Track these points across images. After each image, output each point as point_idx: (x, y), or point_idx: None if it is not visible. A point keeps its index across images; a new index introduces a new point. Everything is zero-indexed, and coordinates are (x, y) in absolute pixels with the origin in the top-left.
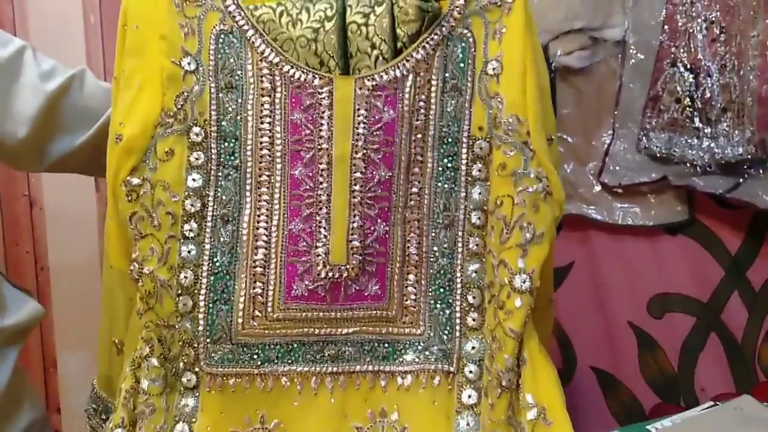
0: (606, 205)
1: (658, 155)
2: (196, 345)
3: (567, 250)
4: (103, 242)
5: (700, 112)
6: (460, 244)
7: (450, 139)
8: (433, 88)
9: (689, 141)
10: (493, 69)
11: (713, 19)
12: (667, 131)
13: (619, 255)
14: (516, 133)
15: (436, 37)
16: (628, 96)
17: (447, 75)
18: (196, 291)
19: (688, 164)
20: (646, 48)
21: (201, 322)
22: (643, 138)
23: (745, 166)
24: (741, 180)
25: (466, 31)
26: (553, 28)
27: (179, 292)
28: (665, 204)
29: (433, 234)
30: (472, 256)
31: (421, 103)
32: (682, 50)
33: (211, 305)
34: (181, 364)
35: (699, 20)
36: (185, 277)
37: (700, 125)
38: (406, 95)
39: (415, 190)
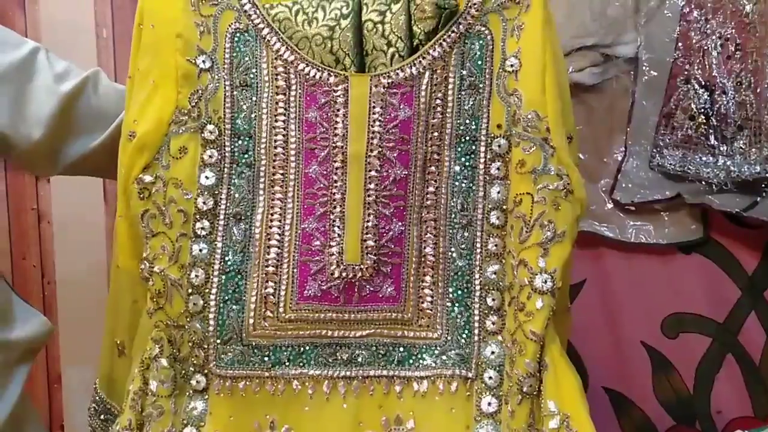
0: (618, 222)
1: (671, 172)
2: (206, 346)
3: (579, 268)
4: (111, 252)
5: (715, 130)
6: (478, 245)
7: (468, 138)
8: (450, 86)
9: (704, 159)
10: (512, 66)
11: (728, 36)
12: (681, 148)
13: (631, 273)
14: (535, 129)
15: (453, 34)
16: (641, 113)
17: (464, 72)
18: (206, 290)
19: (703, 182)
20: (659, 65)
21: (211, 322)
22: (656, 155)
23: (763, 185)
24: (758, 198)
25: (483, 29)
26: (565, 45)
27: (190, 291)
28: (679, 222)
29: (451, 234)
30: (491, 257)
31: (438, 101)
32: (696, 67)
33: (221, 305)
34: (191, 365)
35: (714, 37)
36: (196, 276)
37: (716, 143)
38: (423, 93)
39: (431, 189)
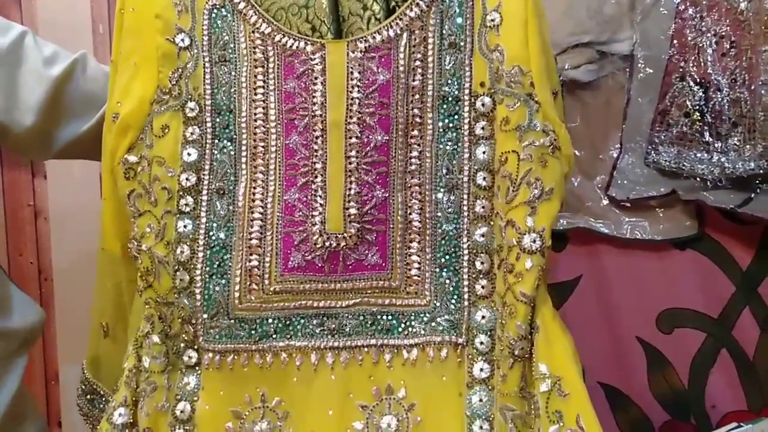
0: (614, 218)
1: (666, 169)
2: (194, 321)
3: (574, 264)
4: None
5: (710, 127)
6: (465, 208)
7: (450, 98)
8: (429, 46)
9: (699, 155)
10: (493, 21)
11: (723, 33)
12: (676, 145)
13: (627, 269)
14: (519, 84)
15: None
16: (636, 110)
17: (444, 32)
18: (192, 266)
19: (697, 178)
20: (654, 62)
21: (198, 297)
22: (652, 152)
23: (757, 181)
24: (752, 195)
25: None
26: (561, 42)
27: (176, 267)
28: (674, 218)
29: (436, 199)
30: (479, 220)
31: (418, 63)
32: (691, 64)
33: (207, 280)
34: (182, 341)
35: (708, 35)
36: (181, 252)
37: (710, 139)
38: (401, 55)
39: (415, 153)
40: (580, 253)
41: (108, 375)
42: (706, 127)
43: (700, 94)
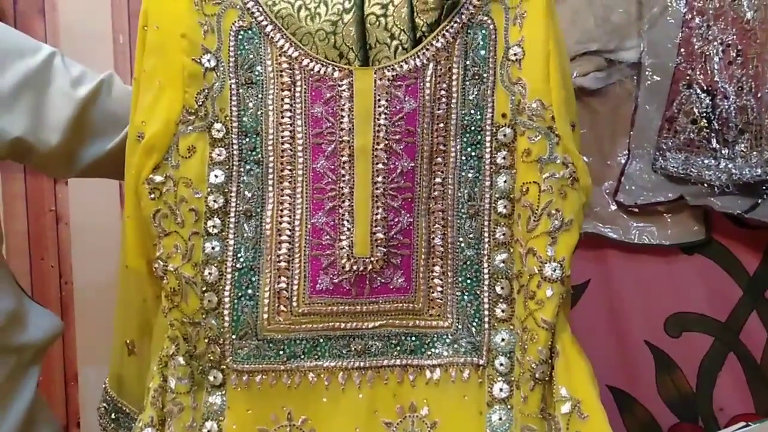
0: (622, 224)
1: (674, 175)
2: (221, 342)
3: (583, 269)
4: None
5: (717, 134)
6: (486, 234)
7: (473, 128)
8: (454, 77)
9: (706, 161)
10: (515, 55)
11: (729, 42)
12: (684, 151)
13: (635, 274)
14: (540, 118)
15: (455, 25)
16: (644, 117)
17: (468, 63)
18: (220, 287)
19: (705, 184)
20: (661, 70)
21: (226, 318)
22: (659, 158)
23: (764, 187)
24: (759, 200)
25: (486, 18)
26: (569, 50)
27: (204, 288)
28: (682, 223)
29: (459, 224)
30: (500, 246)
31: (443, 92)
32: (698, 72)
33: (236, 301)
34: (208, 361)
35: (715, 43)
36: (210, 273)
37: (717, 146)
38: (427, 84)
39: (438, 180)
40: (588, 258)
41: (131, 392)
42: (713, 134)
43: (707, 101)
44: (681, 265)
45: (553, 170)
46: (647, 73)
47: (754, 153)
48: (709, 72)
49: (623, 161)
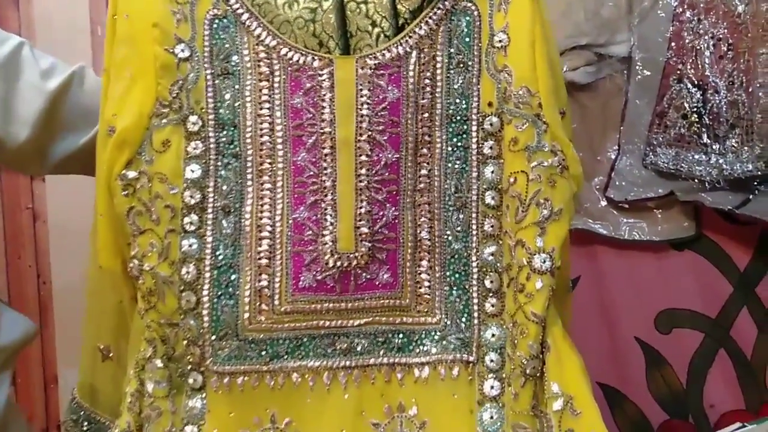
0: (612, 220)
1: (664, 171)
2: (201, 343)
3: (573, 265)
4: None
5: (707, 129)
6: (474, 227)
7: (459, 117)
8: (438, 65)
9: (697, 157)
10: (500, 41)
11: (720, 36)
12: (674, 147)
13: (625, 270)
14: (527, 105)
15: (438, 11)
16: (634, 112)
17: (452, 50)
18: (199, 286)
19: (695, 180)
20: (652, 64)
21: (205, 318)
22: (650, 153)
23: (755, 182)
24: (750, 196)
25: (470, 4)
26: (559, 44)
27: (182, 288)
28: (672, 219)
29: (446, 217)
30: (488, 239)
31: (427, 81)
32: (689, 67)
33: (215, 300)
34: (187, 364)
35: (706, 37)
36: (187, 272)
37: (708, 141)
38: (411, 73)
39: (424, 171)
40: (578, 254)
41: (106, 400)
42: (703, 129)
43: (698, 96)
44: (671, 262)
45: (542, 158)
46: (637, 67)
47: (746, 148)
48: (699, 66)
49: (613, 156)
